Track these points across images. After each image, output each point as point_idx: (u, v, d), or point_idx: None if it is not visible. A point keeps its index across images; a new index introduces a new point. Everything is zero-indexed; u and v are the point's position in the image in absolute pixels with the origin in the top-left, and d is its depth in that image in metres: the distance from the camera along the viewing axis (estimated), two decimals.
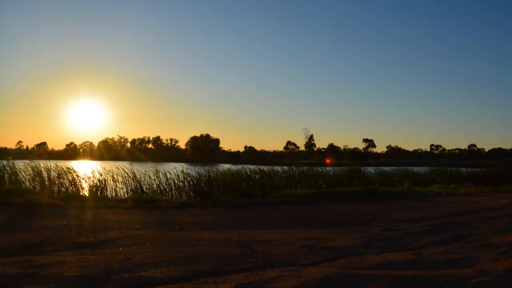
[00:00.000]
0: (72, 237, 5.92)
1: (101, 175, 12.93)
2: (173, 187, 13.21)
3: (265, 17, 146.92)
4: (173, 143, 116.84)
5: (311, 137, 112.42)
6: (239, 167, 15.81)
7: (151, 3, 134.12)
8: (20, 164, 13.83)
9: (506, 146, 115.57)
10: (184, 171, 13.76)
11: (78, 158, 55.29)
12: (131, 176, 13.13)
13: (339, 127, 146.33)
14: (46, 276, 4.01)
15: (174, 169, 13.72)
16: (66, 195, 11.02)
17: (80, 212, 8.59)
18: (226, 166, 17.59)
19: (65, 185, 12.80)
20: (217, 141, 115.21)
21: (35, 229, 6.44)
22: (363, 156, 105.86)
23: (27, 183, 12.89)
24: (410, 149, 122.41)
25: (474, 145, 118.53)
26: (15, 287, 3.72)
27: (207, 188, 13.18)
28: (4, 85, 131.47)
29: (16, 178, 12.94)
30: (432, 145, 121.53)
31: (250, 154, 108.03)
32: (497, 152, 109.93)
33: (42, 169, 13.13)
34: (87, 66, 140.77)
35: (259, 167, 15.86)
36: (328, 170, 17.79)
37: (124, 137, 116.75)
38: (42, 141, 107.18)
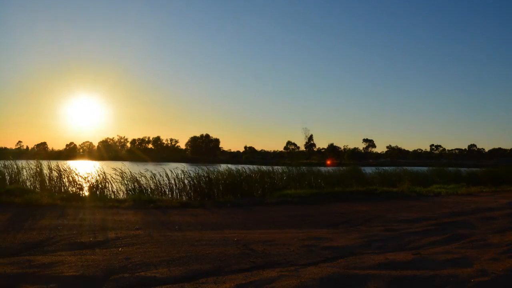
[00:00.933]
0: (72, 237, 5.92)
1: (100, 175, 12.92)
2: (173, 187, 13.22)
3: (266, 17, 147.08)
4: (173, 143, 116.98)
5: (311, 137, 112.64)
6: (239, 167, 15.80)
7: (151, 2, 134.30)
8: (20, 164, 13.81)
9: (506, 146, 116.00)
10: (184, 171, 13.76)
11: (78, 158, 55.25)
12: (131, 176, 13.12)
13: (339, 127, 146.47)
14: (46, 276, 4.01)
15: (176, 168, 13.73)
16: (66, 195, 11.01)
17: (80, 212, 8.58)
18: (226, 166, 17.57)
19: (65, 185, 12.80)
20: (217, 141, 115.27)
21: (35, 229, 6.44)
22: (363, 156, 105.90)
23: (28, 183, 12.88)
24: (410, 149, 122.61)
25: (474, 145, 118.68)
26: (15, 287, 3.73)
27: (207, 188, 13.18)
28: (4, 85, 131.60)
29: (16, 178, 12.94)
30: (432, 145, 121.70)
31: (250, 154, 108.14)
32: (497, 152, 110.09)
33: (42, 169, 13.11)
34: (87, 66, 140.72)
35: (259, 167, 15.86)
36: (328, 170, 17.79)
37: (124, 137, 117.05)
38: (42, 141, 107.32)
